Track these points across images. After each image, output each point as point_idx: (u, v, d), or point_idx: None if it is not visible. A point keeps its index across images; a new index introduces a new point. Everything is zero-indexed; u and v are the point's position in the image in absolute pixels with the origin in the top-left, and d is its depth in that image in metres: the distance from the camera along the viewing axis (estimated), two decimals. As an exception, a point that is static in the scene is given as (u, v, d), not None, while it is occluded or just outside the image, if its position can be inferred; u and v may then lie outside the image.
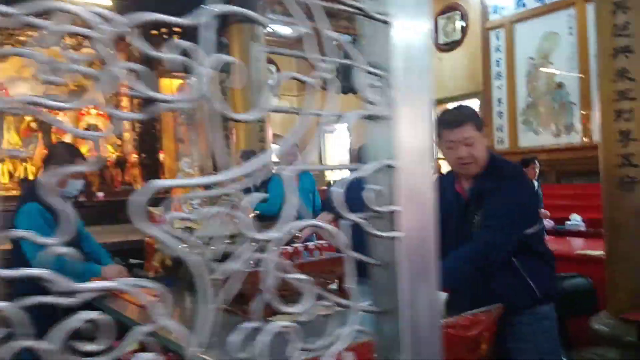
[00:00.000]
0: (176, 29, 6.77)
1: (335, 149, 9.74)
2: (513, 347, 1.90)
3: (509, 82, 7.30)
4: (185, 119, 6.27)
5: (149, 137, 6.49)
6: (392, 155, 0.73)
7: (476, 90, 7.69)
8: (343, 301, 0.69)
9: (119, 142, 7.10)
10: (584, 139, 6.52)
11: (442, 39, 8.09)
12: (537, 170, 5.22)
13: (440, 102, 8.12)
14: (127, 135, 7.17)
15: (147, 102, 0.46)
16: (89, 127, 8.18)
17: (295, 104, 9.99)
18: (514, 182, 1.92)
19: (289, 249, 1.83)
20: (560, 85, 6.80)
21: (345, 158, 9.64)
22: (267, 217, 3.21)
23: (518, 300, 1.88)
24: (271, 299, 0.62)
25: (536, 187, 4.85)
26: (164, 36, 6.73)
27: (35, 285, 0.46)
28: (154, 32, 6.78)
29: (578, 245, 4.13)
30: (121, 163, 6.69)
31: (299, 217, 0.68)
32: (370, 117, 0.73)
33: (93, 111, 8.24)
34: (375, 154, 0.76)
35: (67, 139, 8.18)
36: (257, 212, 3.46)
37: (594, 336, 2.84)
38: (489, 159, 1.94)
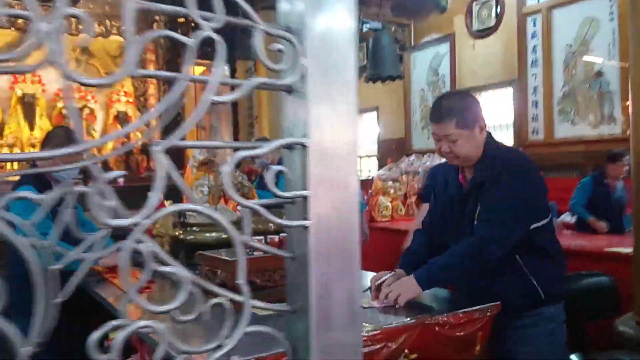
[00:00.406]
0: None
1: (366, 139, 9.60)
2: (513, 350, 1.78)
3: (546, 70, 7.01)
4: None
5: (173, 124, 6.50)
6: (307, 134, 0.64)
7: (511, 79, 7.42)
8: (238, 297, 0.61)
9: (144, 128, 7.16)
10: (625, 130, 6.19)
11: (476, 26, 7.84)
12: (627, 168, 3.97)
13: (473, 90, 7.90)
14: (153, 122, 7.21)
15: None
16: (119, 114, 8.31)
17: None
18: (517, 174, 1.78)
19: (275, 237, 1.76)
20: (599, 74, 6.48)
21: (373, 148, 9.48)
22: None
23: (519, 300, 1.76)
24: (136, 296, 0.54)
25: (621, 186, 4.42)
26: (192, 23, 6.73)
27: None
28: (180, 19, 6.80)
29: (608, 243, 3.91)
30: (147, 150, 6.74)
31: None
32: (271, 87, 0.63)
33: (123, 98, 8.37)
34: (290, 132, 0.68)
35: (98, 125, 8.36)
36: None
37: (616, 339, 2.67)
38: (490, 147, 1.81)
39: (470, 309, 1.62)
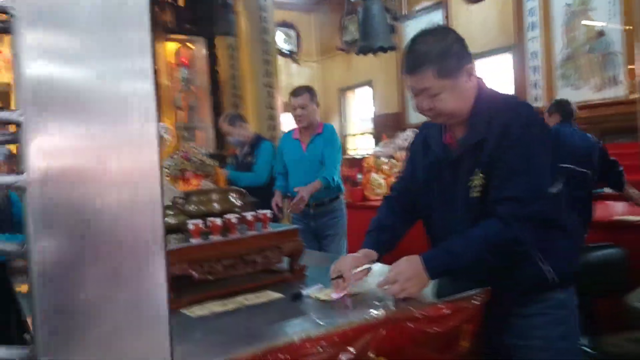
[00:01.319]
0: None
1: (358, 114, 9.26)
2: (515, 345, 1.47)
3: (545, 34, 6.64)
4: (184, 86, 5.94)
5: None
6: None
7: (508, 44, 7.06)
8: None
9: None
10: (630, 93, 5.85)
11: (470, -10, 7.45)
12: None
13: (469, 59, 7.55)
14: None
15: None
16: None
17: (316, 70, 9.54)
18: (527, 127, 1.40)
19: (218, 221, 1.46)
20: (601, 34, 6.11)
21: (369, 125, 9.15)
22: (256, 189, 2.82)
23: (523, 285, 1.45)
24: None
25: None
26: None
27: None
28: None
29: (617, 211, 3.61)
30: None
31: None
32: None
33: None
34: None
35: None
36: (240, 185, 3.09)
37: (630, 317, 2.38)
38: (484, 97, 1.47)
39: (452, 297, 1.32)
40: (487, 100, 1.47)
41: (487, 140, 1.41)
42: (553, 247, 1.45)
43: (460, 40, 1.46)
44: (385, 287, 1.39)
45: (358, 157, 7.90)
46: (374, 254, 1.55)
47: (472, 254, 1.37)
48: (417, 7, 8.13)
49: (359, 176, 5.59)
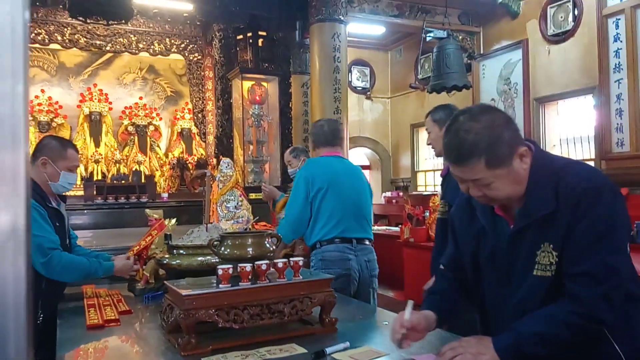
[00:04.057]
0: (261, 33, 6.67)
1: (429, 151, 9.10)
2: None
3: (631, 76, 6.27)
4: (255, 122, 6.10)
5: (226, 139, 6.43)
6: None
7: (591, 86, 6.72)
8: None
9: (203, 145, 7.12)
10: None
11: (551, 30, 7.21)
12: None
13: (549, 99, 7.26)
14: (210, 138, 7.19)
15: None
16: (183, 131, 8.39)
17: (388, 105, 9.53)
18: (598, 194, 1.27)
19: (247, 267, 1.46)
20: (694, 77, 5.70)
21: (440, 162, 8.97)
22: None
23: None
24: None
25: None
26: (250, 40, 6.66)
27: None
28: (239, 36, 6.75)
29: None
30: (201, 165, 6.69)
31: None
32: None
33: (187, 115, 8.44)
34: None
35: (163, 142, 8.48)
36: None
37: None
38: (542, 167, 1.33)
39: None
40: (546, 170, 1.34)
41: (558, 211, 1.28)
42: (627, 324, 1.30)
43: (509, 123, 1.33)
44: (446, 351, 1.29)
45: (425, 194, 7.74)
46: (433, 316, 1.44)
47: (546, 334, 1.26)
48: (495, 46, 7.96)
49: (426, 214, 5.44)
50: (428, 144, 2.71)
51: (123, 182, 6.63)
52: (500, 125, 1.30)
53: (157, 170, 7.78)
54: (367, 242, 2.88)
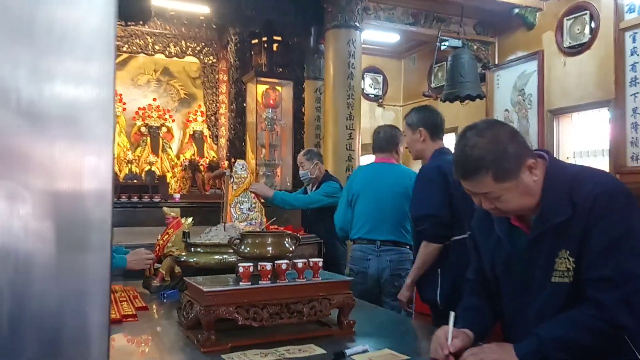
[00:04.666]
0: (276, 38, 6.70)
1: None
2: None
3: (647, 90, 6.23)
4: (268, 125, 6.11)
5: (238, 142, 6.44)
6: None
7: (606, 99, 6.68)
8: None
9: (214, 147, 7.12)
10: None
11: (567, 42, 7.19)
12: None
13: (563, 111, 7.22)
14: (222, 141, 7.21)
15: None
16: (195, 133, 8.42)
17: (400, 113, 9.51)
18: (613, 199, 1.28)
19: (268, 266, 1.45)
20: None
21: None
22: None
23: None
24: None
25: None
26: (265, 44, 6.69)
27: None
28: (254, 41, 6.78)
29: None
30: (213, 167, 6.70)
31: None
32: None
33: (200, 118, 8.48)
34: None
35: (175, 144, 8.51)
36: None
37: None
38: (555, 176, 1.35)
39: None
40: (559, 178, 1.35)
41: (574, 218, 1.29)
42: None
43: (514, 136, 1.35)
44: (467, 357, 1.30)
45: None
46: (472, 335, 1.42)
47: (568, 339, 1.25)
48: (510, 57, 7.94)
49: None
50: (405, 148, 2.85)
51: (135, 181, 6.65)
52: (505, 139, 1.32)
53: (168, 171, 7.80)
54: (393, 245, 3.02)
